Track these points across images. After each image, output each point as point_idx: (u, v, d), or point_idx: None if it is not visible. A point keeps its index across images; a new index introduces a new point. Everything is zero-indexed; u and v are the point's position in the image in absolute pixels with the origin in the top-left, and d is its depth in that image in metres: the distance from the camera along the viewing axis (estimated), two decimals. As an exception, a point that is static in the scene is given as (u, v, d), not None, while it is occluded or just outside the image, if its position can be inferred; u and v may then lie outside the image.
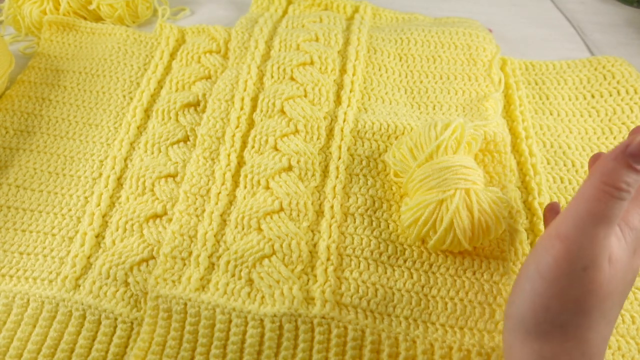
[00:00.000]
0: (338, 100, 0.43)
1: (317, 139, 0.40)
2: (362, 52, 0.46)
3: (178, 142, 0.40)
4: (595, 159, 0.30)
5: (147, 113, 0.44)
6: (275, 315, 0.31)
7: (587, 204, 0.23)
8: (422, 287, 0.32)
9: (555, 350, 0.23)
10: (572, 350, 0.23)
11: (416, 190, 0.34)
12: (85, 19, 0.54)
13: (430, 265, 0.33)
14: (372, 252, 0.34)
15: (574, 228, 0.23)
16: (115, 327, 0.32)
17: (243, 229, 0.35)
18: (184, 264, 0.33)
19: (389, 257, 0.34)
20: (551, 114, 0.45)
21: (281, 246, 0.34)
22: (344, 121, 0.41)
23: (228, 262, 0.33)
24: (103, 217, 0.37)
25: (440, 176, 0.32)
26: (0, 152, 0.42)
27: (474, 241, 0.32)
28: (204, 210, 0.36)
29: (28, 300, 0.32)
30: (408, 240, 0.35)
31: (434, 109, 0.44)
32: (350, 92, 0.43)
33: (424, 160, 0.34)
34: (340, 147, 0.39)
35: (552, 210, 0.33)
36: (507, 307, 0.26)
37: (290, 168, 0.38)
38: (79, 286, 0.33)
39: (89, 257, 0.35)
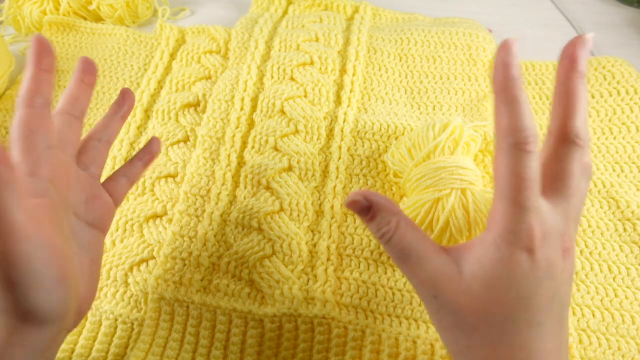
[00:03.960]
0: (338, 101, 0.43)
1: (317, 139, 0.40)
2: (362, 52, 0.46)
3: (178, 142, 0.40)
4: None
5: (147, 113, 0.44)
6: (275, 315, 0.31)
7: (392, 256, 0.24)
8: (422, 287, 0.32)
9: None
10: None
11: (413, 190, 0.34)
12: (85, 19, 0.54)
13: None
14: (372, 252, 0.34)
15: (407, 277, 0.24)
16: (116, 327, 0.31)
17: (243, 229, 0.35)
18: (185, 265, 0.33)
19: (389, 257, 0.34)
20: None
21: (281, 246, 0.34)
22: (344, 121, 0.41)
23: (229, 262, 0.33)
24: (103, 217, 0.37)
25: (436, 175, 0.32)
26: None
27: None
28: (204, 211, 0.36)
29: (28, 300, 0.32)
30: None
31: (434, 109, 0.44)
32: (350, 92, 0.43)
33: (421, 160, 0.34)
34: (340, 147, 0.39)
35: None
36: None
37: (290, 168, 0.38)
38: (79, 286, 0.33)
39: (89, 258, 0.35)
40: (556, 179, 0.22)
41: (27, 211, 0.21)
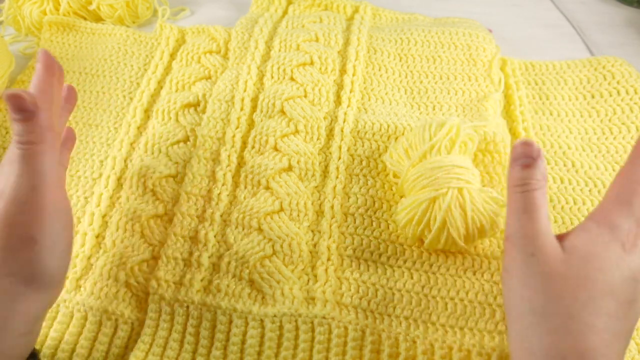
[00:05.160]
0: (338, 101, 0.43)
1: (317, 139, 0.40)
2: (362, 52, 0.46)
3: (178, 142, 0.40)
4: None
5: (147, 113, 0.44)
6: (275, 316, 0.31)
7: (512, 206, 0.27)
8: (422, 287, 0.32)
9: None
10: (560, 343, 0.23)
11: (410, 190, 0.34)
12: (85, 19, 0.54)
13: (431, 266, 0.33)
14: (372, 253, 0.34)
15: (510, 227, 0.27)
16: (116, 327, 0.31)
17: (243, 229, 0.35)
18: (185, 265, 0.33)
19: (389, 258, 0.34)
20: (551, 114, 0.45)
21: (281, 246, 0.34)
22: (344, 121, 0.41)
23: (229, 262, 0.33)
24: (103, 217, 0.37)
25: (432, 175, 0.32)
26: (0, 152, 0.42)
27: (470, 240, 0.32)
28: (204, 211, 0.36)
29: (28, 300, 0.32)
30: (408, 241, 0.35)
31: (433, 109, 0.44)
32: (350, 92, 0.43)
33: (417, 160, 0.34)
34: (340, 148, 0.39)
35: None
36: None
37: (290, 168, 0.38)
38: (80, 287, 0.33)
39: (89, 258, 0.35)
40: None
41: (59, 174, 0.22)
